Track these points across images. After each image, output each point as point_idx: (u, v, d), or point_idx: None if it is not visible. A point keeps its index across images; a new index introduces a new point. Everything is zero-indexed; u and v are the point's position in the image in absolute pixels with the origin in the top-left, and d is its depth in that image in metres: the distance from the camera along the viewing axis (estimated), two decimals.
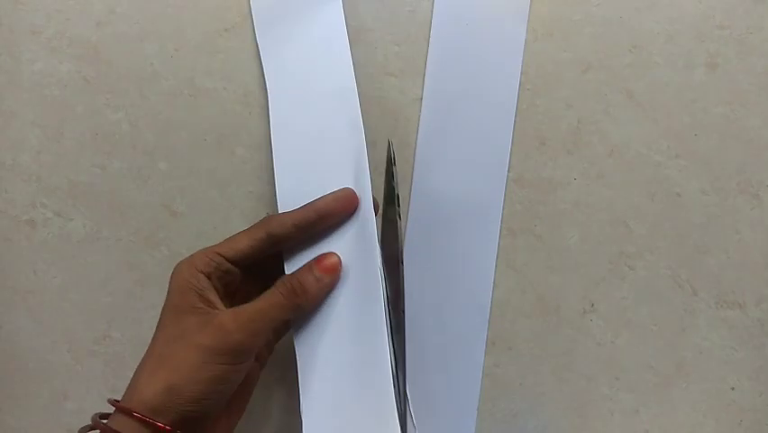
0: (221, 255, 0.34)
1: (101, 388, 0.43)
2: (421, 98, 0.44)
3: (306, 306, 0.34)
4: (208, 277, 0.34)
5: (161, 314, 0.34)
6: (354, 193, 0.36)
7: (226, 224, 0.43)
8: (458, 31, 0.43)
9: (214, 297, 0.34)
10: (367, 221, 0.35)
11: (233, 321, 0.32)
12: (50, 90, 0.44)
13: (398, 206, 0.37)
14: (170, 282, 0.34)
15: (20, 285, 0.43)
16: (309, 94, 0.39)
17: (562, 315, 0.43)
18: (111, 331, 0.43)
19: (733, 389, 0.42)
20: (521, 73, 0.43)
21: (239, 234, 0.35)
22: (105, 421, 0.33)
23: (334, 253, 0.35)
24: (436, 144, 0.43)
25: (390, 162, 0.37)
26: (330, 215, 0.35)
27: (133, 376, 0.33)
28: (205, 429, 0.34)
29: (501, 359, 0.42)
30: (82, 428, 0.33)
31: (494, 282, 0.43)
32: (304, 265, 0.35)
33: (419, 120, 0.43)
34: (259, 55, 0.43)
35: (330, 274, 0.34)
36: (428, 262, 0.41)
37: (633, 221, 0.43)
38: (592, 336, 0.42)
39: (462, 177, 0.42)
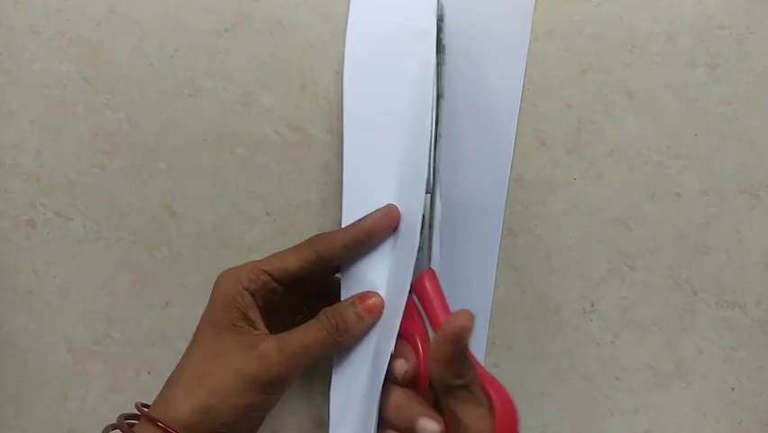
0: (268, 274, 0.34)
1: (101, 388, 0.43)
2: None
3: (345, 343, 0.34)
4: (253, 295, 0.33)
5: (200, 325, 0.34)
6: (397, 209, 0.35)
7: (226, 224, 0.43)
8: (462, 32, 0.43)
9: (255, 316, 0.33)
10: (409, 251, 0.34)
11: (278, 353, 0.32)
12: (50, 90, 0.44)
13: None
14: (213, 293, 0.34)
15: (20, 285, 0.43)
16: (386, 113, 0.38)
17: (562, 315, 0.43)
18: (111, 331, 0.43)
19: (733, 389, 0.42)
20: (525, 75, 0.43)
21: (287, 251, 0.34)
22: (132, 422, 0.33)
23: (377, 294, 0.34)
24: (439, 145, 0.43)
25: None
26: (378, 232, 0.35)
27: (166, 387, 0.33)
28: None
29: (501, 359, 0.42)
30: (106, 427, 0.33)
31: (494, 283, 0.43)
32: (347, 301, 0.35)
33: None
34: (258, 56, 0.43)
35: (372, 315, 0.34)
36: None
37: (633, 221, 0.43)
38: (592, 336, 0.42)
39: (464, 178, 0.42)
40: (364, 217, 0.35)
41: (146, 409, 0.33)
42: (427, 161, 0.35)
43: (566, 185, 0.43)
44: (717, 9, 0.44)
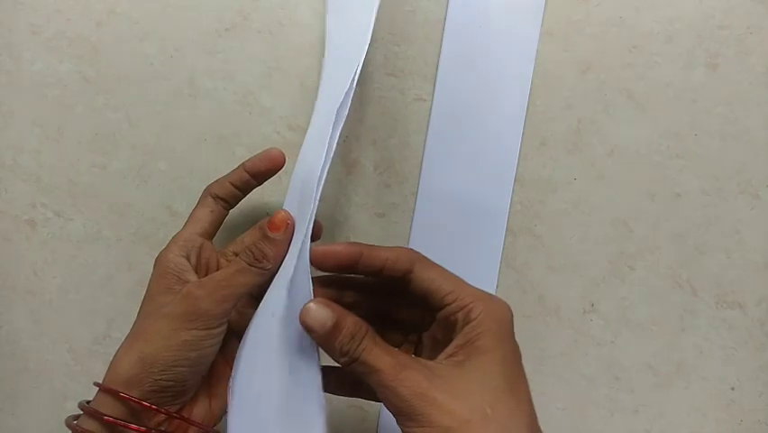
0: (190, 233, 0.36)
1: None
2: (428, 99, 0.44)
3: (269, 267, 0.35)
4: (187, 258, 0.36)
5: (142, 302, 0.35)
6: (279, 151, 0.38)
7: (226, 224, 0.43)
8: (471, 33, 0.43)
9: (192, 276, 0.35)
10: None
11: (200, 288, 0.34)
12: (50, 90, 0.44)
13: None
14: (151, 274, 0.36)
15: (20, 285, 0.43)
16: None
17: (563, 315, 0.43)
18: (111, 331, 0.43)
19: (733, 389, 0.42)
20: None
21: (193, 210, 0.38)
22: (88, 401, 0.34)
23: (283, 210, 0.36)
24: (445, 146, 0.43)
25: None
26: (258, 172, 0.38)
27: (112, 358, 0.34)
28: (185, 408, 0.35)
29: None
30: (69, 416, 0.34)
31: (496, 283, 0.43)
32: (255, 229, 0.38)
33: (429, 121, 0.43)
34: (258, 56, 0.43)
35: (279, 230, 0.35)
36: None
37: (633, 221, 0.43)
38: (592, 336, 0.42)
39: (470, 179, 0.42)
40: (246, 160, 0.38)
41: (96, 382, 0.34)
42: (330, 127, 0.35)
43: (566, 185, 0.43)
44: (717, 9, 0.44)
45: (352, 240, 0.43)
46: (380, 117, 0.44)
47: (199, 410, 0.36)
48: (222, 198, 0.38)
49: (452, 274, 0.33)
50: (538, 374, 0.42)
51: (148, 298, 0.35)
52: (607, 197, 0.43)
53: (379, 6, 0.36)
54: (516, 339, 0.42)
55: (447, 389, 0.29)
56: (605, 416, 0.42)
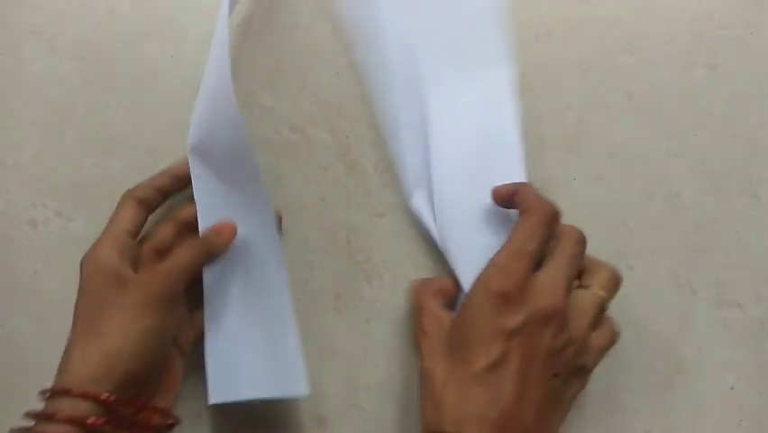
0: (120, 231, 0.37)
1: None
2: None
3: (213, 251, 0.37)
4: (122, 254, 0.36)
5: (75, 308, 0.35)
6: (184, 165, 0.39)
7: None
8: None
9: (128, 271, 0.36)
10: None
11: (149, 276, 0.35)
12: (50, 90, 0.44)
13: None
14: (81, 278, 0.36)
15: (21, 285, 0.43)
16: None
17: None
18: None
19: (732, 389, 0.42)
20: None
21: (114, 213, 0.38)
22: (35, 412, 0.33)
23: (225, 221, 0.39)
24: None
25: None
26: (183, 178, 0.39)
27: (61, 362, 0.34)
28: (146, 404, 0.35)
29: None
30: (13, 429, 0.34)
31: None
32: (169, 224, 0.39)
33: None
34: (258, 56, 0.43)
35: (227, 231, 0.38)
36: None
37: (632, 221, 0.43)
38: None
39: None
40: (171, 165, 0.40)
41: (43, 390, 0.33)
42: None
43: (566, 185, 0.43)
44: (716, 9, 0.44)
45: (352, 240, 0.43)
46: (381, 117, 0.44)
47: (159, 400, 0.36)
48: (145, 202, 0.38)
49: None
50: None
51: (87, 296, 0.35)
52: (606, 197, 0.43)
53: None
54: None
55: None
56: (604, 415, 0.42)
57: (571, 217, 0.43)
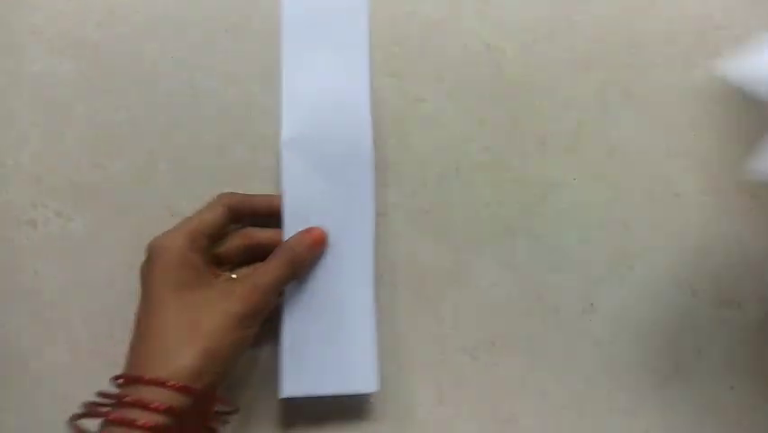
0: (201, 232, 0.38)
1: (102, 388, 0.43)
2: (429, 99, 0.44)
3: (301, 274, 0.39)
4: (196, 253, 0.37)
5: (154, 289, 0.36)
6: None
7: None
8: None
9: (205, 269, 0.38)
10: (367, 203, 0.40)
11: (255, 292, 0.36)
12: (50, 90, 0.44)
13: None
14: (159, 260, 0.37)
15: (21, 285, 0.43)
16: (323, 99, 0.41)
17: (562, 314, 0.43)
18: (113, 331, 0.43)
19: (732, 388, 0.42)
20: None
21: (202, 211, 0.39)
22: (125, 397, 0.34)
23: (318, 227, 0.40)
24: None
25: None
26: (277, 213, 0.40)
27: (155, 343, 0.35)
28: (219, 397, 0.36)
29: (501, 359, 0.42)
30: (77, 415, 0.35)
31: (492, 282, 0.43)
32: (296, 236, 0.39)
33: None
34: (258, 56, 0.43)
35: (320, 245, 0.39)
36: None
37: (632, 221, 0.43)
38: (591, 336, 0.42)
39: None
40: (276, 196, 0.40)
41: (138, 375, 0.34)
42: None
43: (566, 185, 0.43)
44: (716, 9, 0.44)
45: None
46: (381, 118, 0.44)
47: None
48: (234, 213, 0.39)
49: None
50: (537, 373, 0.42)
51: (173, 288, 0.36)
52: (606, 197, 0.43)
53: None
54: (517, 338, 0.42)
55: None
56: (604, 415, 0.42)
57: (571, 217, 0.43)
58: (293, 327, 0.39)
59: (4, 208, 0.44)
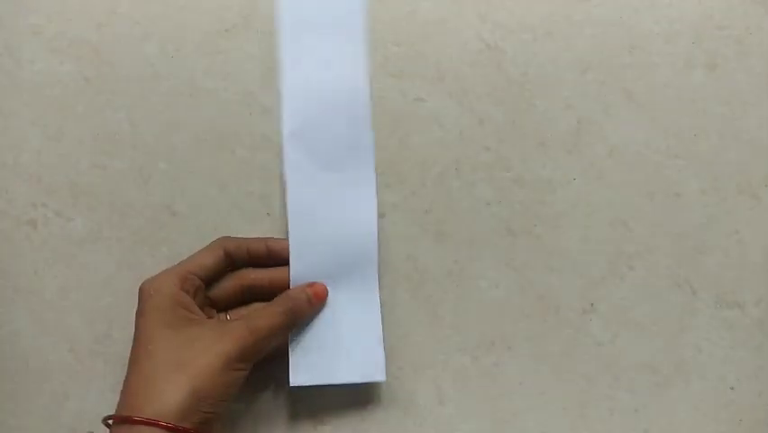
0: (194, 274, 0.38)
1: (102, 388, 0.43)
2: (429, 99, 0.44)
3: (297, 323, 0.39)
4: (187, 294, 0.37)
5: (146, 328, 0.36)
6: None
7: (227, 224, 0.43)
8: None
9: (197, 310, 0.37)
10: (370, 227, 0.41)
11: (250, 334, 0.36)
12: (50, 90, 0.44)
13: None
14: (150, 300, 0.37)
15: (21, 285, 0.43)
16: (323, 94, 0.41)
17: (562, 315, 0.43)
18: (112, 331, 0.43)
19: (732, 388, 0.42)
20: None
21: (200, 253, 0.39)
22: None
23: (321, 283, 0.40)
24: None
25: None
26: (279, 256, 0.40)
27: (140, 384, 0.34)
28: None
29: (501, 359, 0.42)
30: None
31: (492, 282, 0.43)
32: (299, 287, 0.39)
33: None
34: (258, 56, 0.43)
35: (320, 300, 0.40)
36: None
37: (632, 221, 0.43)
38: (592, 336, 0.42)
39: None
40: (271, 239, 0.40)
41: (124, 417, 0.34)
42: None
43: (566, 185, 0.43)
44: (716, 9, 0.44)
45: None
46: (380, 117, 0.44)
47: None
48: (232, 258, 0.39)
49: None
50: (538, 374, 0.42)
51: (164, 327, 0.36)
52: (606, 197, 0.43)
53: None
54: (517, 338, 0.42)
55: None
56: (604, 415, 0.42)
57: (571, 218, 0.43)
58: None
59: (3, 208, 0.44)
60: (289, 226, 0.40)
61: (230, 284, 0.40)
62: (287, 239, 0.40)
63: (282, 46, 0.42)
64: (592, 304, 0.42)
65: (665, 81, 0.43)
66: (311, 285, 0.40)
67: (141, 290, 0.37)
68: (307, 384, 0.39)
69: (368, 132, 0.41)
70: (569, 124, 0.43)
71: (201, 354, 0.35)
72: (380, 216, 0.43)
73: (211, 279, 0.39)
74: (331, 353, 0.40)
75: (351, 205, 0.40)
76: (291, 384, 0.39)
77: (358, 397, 0.42)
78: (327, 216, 0.40)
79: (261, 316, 0.37)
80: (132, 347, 0.36)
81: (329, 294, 0.40)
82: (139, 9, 0.44)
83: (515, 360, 0.42)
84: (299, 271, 0.40)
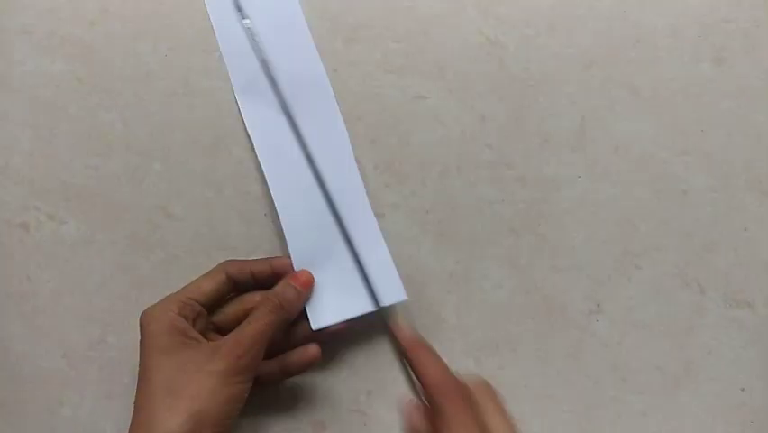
0: (193, 300, 0.38)
1: (96, 394, 0.42)
2: (429, 96, 0.43)
3: (290, 318, 0.38)
4: (186, 319, 0.37)
5: (146, 357, 0.36)
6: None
7: (223, 225, 0.43)
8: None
9: (196, 335, 0.37)
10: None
11: (239, 346, 0.36)
12: (42, 91, 0.44)
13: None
14: (149, 328, 0.37)
15: (13, 289, 0.43)
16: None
17: (568, 315, 0.42)
18: (106, 336, 0.42)
19: (743, 390, 0.41)
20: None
21: (201, 278, 0.39)
22: None
23: (306, 270, 0.40)
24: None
25: None
26: (284, 274, 0.40)
27: (141, 416, 0.34)
28: None
29: (506, 361, 0.42)
30: None
31: (496, 283, 0.42)
32: (283, 282, 0.39)
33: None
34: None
35: (307, 289, 0.39)
36: None
37: (639, 219, 0.42)
38: (598, 337, 0.42)
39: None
40: (275, 258, 0.40)
41: None
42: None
43: (570, 183, 0.43)
44: (722, 2, 0.43)
45: None
46: (380, 115, 0.43)
47: None
48: (235, 281, 0.39)
49: None
50: (543, 376, 0.42)
51: (161, 354, 0.36)
52: (612, 194, 0.43)
53: None
54: (522, 340, 0.42)
55: None
56: (612, 418, 0.41)
57: (576, 216, 0.43)
58: (302, 262, 0.40)
59: None
60: (269, 183, 0.40)
61: (233, 309, 0.40)
62: (289, 257, 0.40)
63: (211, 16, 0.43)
64: (598, 304, 0.42)
65: (671, 76, 0.43)
66: (293, 277, 0.39)
67: (140, 318, 0.37)
68: (330, 324, 0.39)
69: (318, 63, 0.41)
70: (573, 120, 0.43)
71: (194, 376, 0.35)
72: (380, 216, 0.42)
73: (213, 304, 0.39)
74: (346, 288, 0.39)
75: (323, 142, 0.41)
76: (313, 328, 0.39)
77: (358, 397, 0.41)
78: (301, 160, 0.40)
79: (248, 322, 0.37)
80: (138, 377, 0.36)
81: (329, 240, 0.40)
82: (131, 7, 0.44)
83: (520, 362, 0.42)
84: (290, 221, 0.40)
